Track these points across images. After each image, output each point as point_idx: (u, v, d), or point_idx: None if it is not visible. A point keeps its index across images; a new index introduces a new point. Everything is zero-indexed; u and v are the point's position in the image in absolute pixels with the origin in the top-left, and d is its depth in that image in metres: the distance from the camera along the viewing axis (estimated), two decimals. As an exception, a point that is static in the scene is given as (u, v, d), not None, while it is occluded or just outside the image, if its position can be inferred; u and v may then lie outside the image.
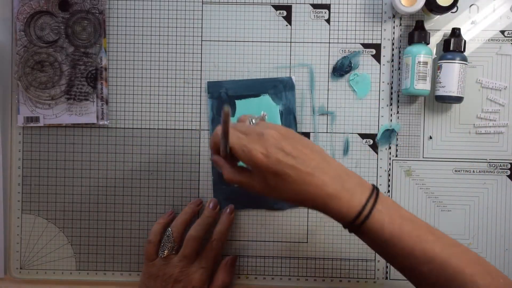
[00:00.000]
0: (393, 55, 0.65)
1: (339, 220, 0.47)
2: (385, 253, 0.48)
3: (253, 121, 0.50)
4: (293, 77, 0.65)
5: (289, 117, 0.65)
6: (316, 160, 0.45)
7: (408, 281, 0.49)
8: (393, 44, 0.65)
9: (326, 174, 0.45)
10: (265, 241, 0.66)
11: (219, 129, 0.48)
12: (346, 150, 0.65)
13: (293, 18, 0.65)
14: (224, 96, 0.65)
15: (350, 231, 0.47)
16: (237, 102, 0.65)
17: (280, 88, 0.65)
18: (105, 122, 0.66)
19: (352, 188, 0.46)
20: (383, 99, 0.65)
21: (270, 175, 0.45)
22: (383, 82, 0.65)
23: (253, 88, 0.65)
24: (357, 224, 0.45)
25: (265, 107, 0.65)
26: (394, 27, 0.65)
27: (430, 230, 0.47)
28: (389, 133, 0.65)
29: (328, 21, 0.65)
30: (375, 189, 0.47)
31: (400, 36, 0.65)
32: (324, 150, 0.50)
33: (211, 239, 0.62)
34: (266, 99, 0.65)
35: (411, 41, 0.62)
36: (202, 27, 0.66)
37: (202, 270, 0.60)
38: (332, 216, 0.47)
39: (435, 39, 0.64)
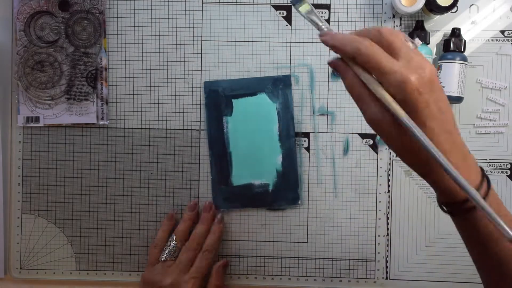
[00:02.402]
0: (393, 55, 0.65)
1: (443, 196, 0.41)
2: (475, 245, 0.42)
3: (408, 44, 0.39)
4: (290, 75, 0.65)
5: (286, 116, 0.65)
6: (451, 124, 0.39)
7: (482, 283, 0.44)
8: (393, 44, 0.65)
9: (453, 142, 0.38)
10: (265, 241, 0.66)
11: (375, 31, 0.38)
12: (346, 150, 0.65)
13: (293, 18, 0.65)
14: (220, 95, 0.65)
15: (448, 211, 0.41)
16: (234, 101, 0.65)
17: (276, 86, 0.65)
18: (105, 122, 0.66)
19: (470, 167, 0.39)
20: (383, 99, 0.65)
21: (414, 111, 0.37)
22: (383, 82, 0.65)
23: (250, 86, 0.65)
24: (463, 208, 0.39)
25: (262, 106, 0.65)
26: (394, 27, 0.65)
27: None
28: (389, 133, 0.65)
29: (328, 21, 0.65)
30: (486, 177, 0.41)
31: (400, 36, 0.65)
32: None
33: (202, 250, 0.62)
34: (263, 97, 0.65)
35: (411, 41, 0.62)
36: (202, 27, 0.66)
37: (193, 280, 0.60)
38: (439, 189, 0.41)
39: (435, 39, 0.64)
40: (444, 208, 0.42)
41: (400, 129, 0.38)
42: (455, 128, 0.40)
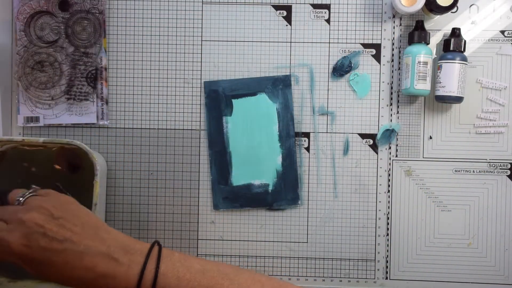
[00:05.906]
0: (393, 55, 0.65)
1: None
2: None
3: (21, 199, 0.45)
4: (290, 75, 0.65)
5: (286, 116, 0.65)
6: (89, 237, 0.43)
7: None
8: (393, 44, 0.65)
9: (98, 253, 0.43)
10: (265, 241, 0.66)
11: None
12: (346, 150, 0.65)
13: (293, 18, 0.65)
14: (220, 95, 0.65)
15: None
16: (234, 101, 0.65)
17: (276, 86, 0.65)
18: (105, 122, 0.66)
19: (130, 259, 0.43)
20: (383, 99, 0.65)
21: (35, 264, 0.42)
22: (383, 82, 0.65)
23: (250, 86, 0.65)
24: None
25: (262, 106, 0.65)
26: (394, 27, 0.65)
27: (224, 275, 0.44)
28: (389, 133, 0.65)
29: (328, 21, 0.65)
30: (157, 249, 0.44)
31: (400, 36, 0.65)
32: (100, 219, 0.47)
33: None
34: (262, 97, 0.65)
35: (411, 41, 0.62)
36: (202, 27, 0.66)
37: None
38: None
39: (435, 39, 0.64)
40: None
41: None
42: (98, 236, 0.44)
